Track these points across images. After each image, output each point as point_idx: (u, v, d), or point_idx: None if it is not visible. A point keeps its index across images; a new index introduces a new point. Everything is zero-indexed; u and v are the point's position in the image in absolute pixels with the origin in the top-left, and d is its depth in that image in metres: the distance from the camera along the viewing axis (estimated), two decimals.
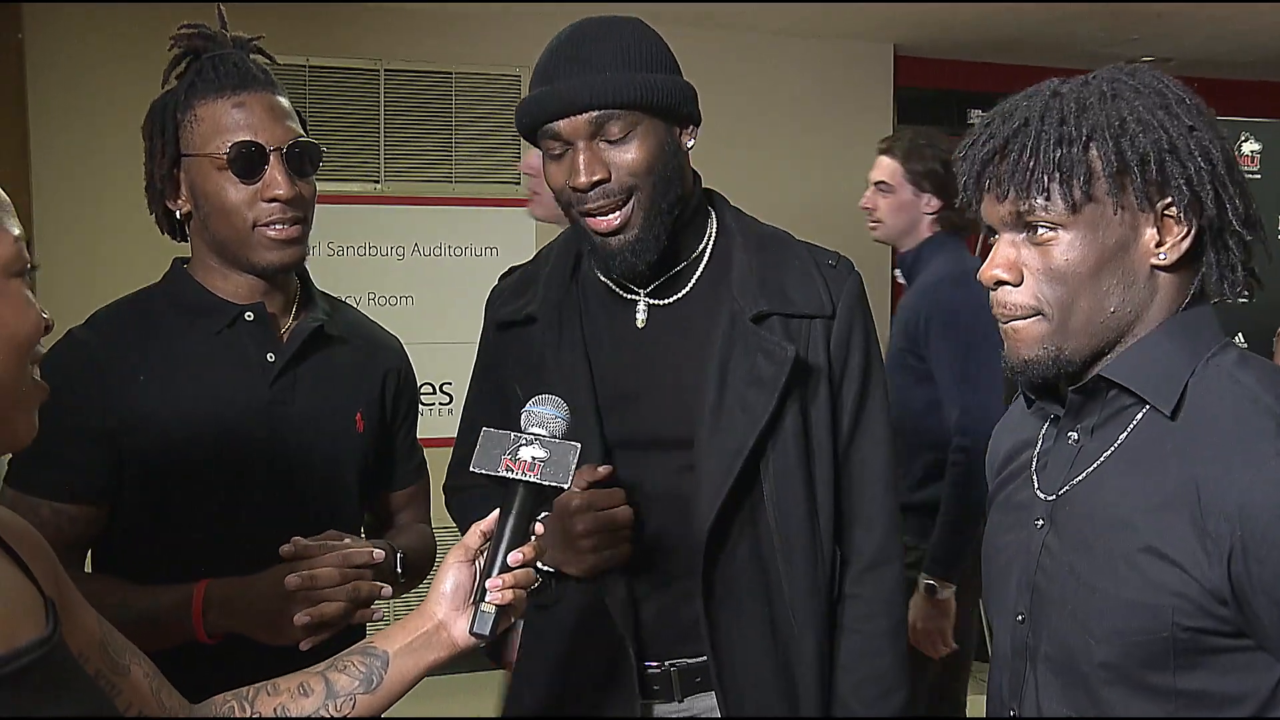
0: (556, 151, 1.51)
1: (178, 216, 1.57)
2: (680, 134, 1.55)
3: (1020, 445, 1.36)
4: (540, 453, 1.22)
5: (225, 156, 1.48)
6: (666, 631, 1.58)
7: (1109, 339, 1.20)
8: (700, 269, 1.61)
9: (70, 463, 1.48)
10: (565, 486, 1.22)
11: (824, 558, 1.58)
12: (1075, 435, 1.25)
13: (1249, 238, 1.19)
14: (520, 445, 1.23)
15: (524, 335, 1.64)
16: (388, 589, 1.47)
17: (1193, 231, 1.17)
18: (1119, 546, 1.15)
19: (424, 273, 4.73)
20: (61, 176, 4.25)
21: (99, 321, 1.57)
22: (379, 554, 1.47)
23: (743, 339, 1.54)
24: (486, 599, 1.18)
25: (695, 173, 1.63)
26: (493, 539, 1.22)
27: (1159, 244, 1.17)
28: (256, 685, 1.15)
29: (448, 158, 4.76)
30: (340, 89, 4.58)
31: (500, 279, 1.76)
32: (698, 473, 1.53)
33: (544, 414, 1.26)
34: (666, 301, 1.60)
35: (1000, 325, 1.24)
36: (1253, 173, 4.37)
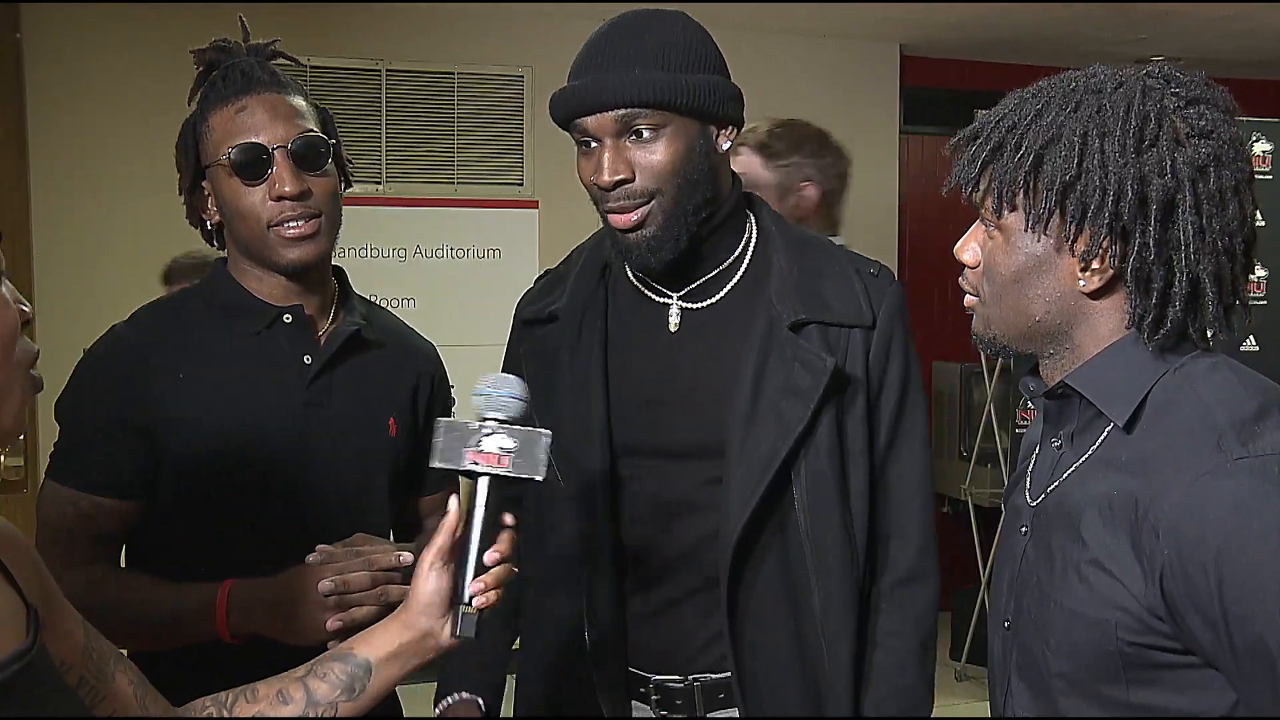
0: (584, 144, 1.49)
1: (208, 226, 1.61)
2: (716, 135, 1.51)
3: (1029, 446, 1.33)
4: (508, 442, 1.15)
5: (230, 160, 1.50)
6: (689, 645, 1.55)
7: (1043, 340, 1.19)
8: (738, 274, 1.57)
9: (108, 457, 1.51)
10: (539, 479, 1.16)
11: (858, 571, 1.55)
12: (1059, 442, 1.23)
13: (1177, 290, 1.10)
14: (484, 435, 1.15)
15: (544, 334, 1.62)
16: None
17: (1115, 267, 1.11)
18: (1072, 558, 1.14)
19: (426, 275, 4.70)
20: (59, 175, 4.25)
21: (140, 318, 1.59)
22: (406, 557, 1.47)
23: (779, 347, 1.51)
24: (467, 602, 1.15)
25: (735, 174, 1.59)
26: (463, 539, 1.17)
27: (1085, 268, 1.12)
28: (235, 690, 1.14)
29: (450, 159, 4.73)
30: (341, 90, 4.56)
31: (536, 281, 1.74)
32: (726, 482, 1.49)
33: (500, 397, 1.17)
34: (700, 305, 1.57)
35: None
36: (1264, 173, 4.26)
